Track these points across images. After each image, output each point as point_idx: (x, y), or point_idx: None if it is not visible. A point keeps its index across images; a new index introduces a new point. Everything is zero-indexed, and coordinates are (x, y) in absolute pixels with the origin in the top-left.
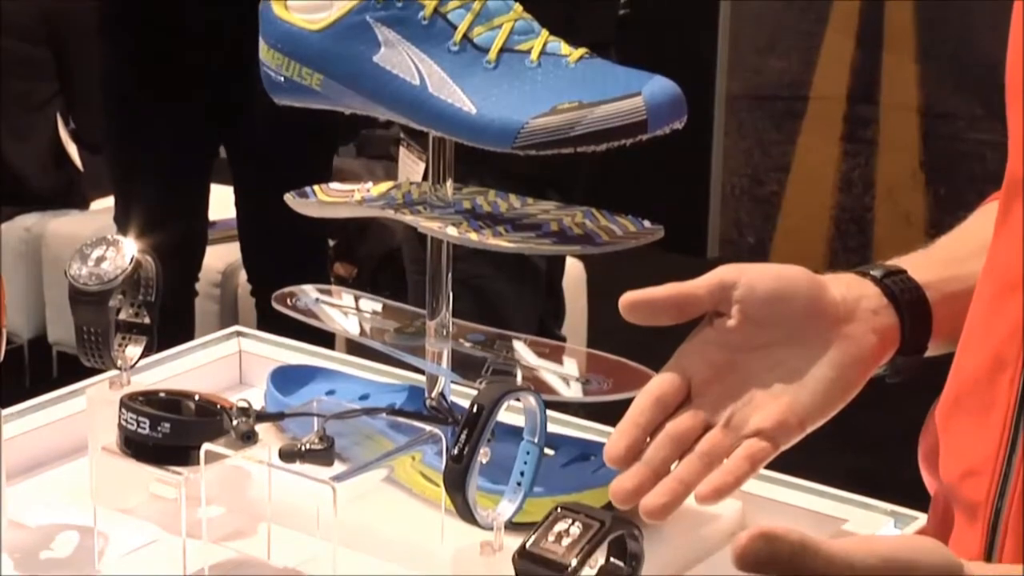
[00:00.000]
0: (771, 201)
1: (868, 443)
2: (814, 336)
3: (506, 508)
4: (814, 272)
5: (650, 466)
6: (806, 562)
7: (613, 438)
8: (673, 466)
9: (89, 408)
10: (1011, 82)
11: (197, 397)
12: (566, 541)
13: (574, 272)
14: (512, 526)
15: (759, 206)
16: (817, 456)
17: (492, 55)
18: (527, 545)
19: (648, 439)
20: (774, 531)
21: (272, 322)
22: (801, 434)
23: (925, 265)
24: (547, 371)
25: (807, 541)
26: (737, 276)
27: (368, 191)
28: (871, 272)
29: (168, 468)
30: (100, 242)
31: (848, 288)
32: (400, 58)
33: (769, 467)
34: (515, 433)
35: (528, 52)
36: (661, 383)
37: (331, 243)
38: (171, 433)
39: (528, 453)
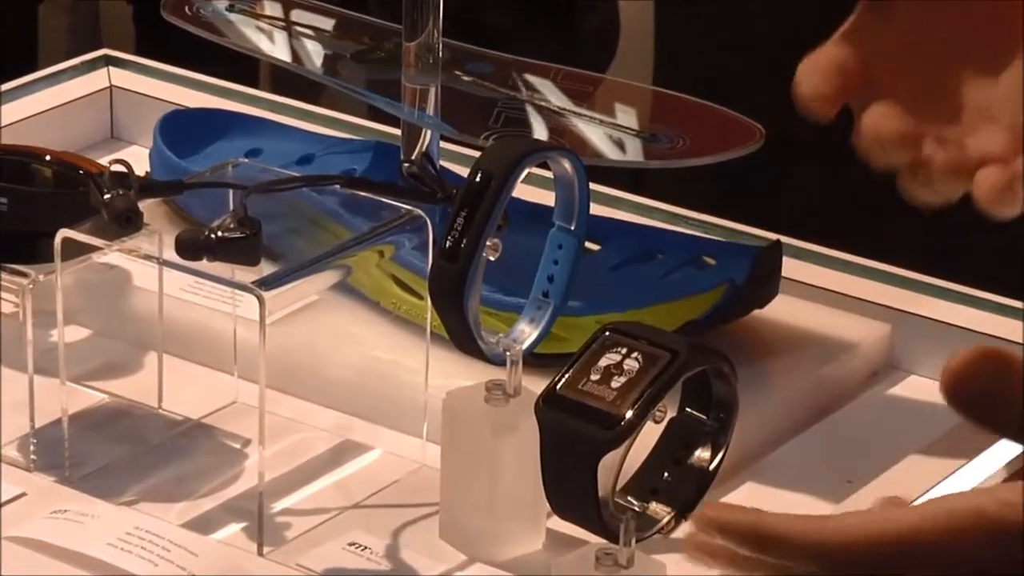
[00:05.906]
0: None
1: None
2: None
3: (525, 331)
4: None
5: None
6: None
7: (806, 75)
8: None
9: None
10: None
11: (48, 158)
12: (618, 381)
13: None
14: (535, 359)
15: None
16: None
17: None
18: (558, 387)
19: None
20: None
21: (159, 46)
22: None
23: None
24: (590, 120)
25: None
26: None
27: None
28: None
29: (6, 267)
30: None
31: None
32: None
33: (931, 271)
34: (540, 217)
35: None
36: (835, 54)
37: None
38: (10, 212)
39: (560, 248)
